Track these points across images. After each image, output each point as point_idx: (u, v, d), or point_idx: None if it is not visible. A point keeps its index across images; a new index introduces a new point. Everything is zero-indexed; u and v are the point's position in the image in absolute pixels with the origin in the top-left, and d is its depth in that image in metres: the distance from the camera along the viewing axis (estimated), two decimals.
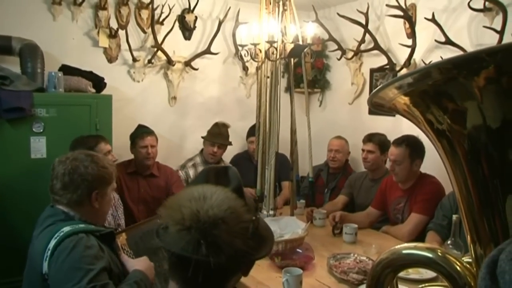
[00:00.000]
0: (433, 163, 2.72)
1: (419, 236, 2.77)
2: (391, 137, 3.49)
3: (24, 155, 2.80)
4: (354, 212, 3.39)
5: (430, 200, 2.81)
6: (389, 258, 1.13)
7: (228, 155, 4.12)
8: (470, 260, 1.02)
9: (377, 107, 1.09)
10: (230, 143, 3.82)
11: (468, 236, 0.99)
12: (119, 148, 3.46)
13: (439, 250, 1.06)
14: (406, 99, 0.97)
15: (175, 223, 0.90)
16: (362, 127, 3.95)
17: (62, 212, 1.70)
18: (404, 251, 1.12)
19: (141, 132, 3.34)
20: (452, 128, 0.94)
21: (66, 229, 1.60)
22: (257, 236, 0.97)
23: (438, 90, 0.90)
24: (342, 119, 4.25)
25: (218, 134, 3.74)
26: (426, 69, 0.90)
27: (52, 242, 1.57)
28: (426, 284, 1.24)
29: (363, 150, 3.45)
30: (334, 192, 3.69)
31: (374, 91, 0.99)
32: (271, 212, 2.88)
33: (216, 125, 3.80)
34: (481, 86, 0.83)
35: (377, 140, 3.40)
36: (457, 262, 1.02)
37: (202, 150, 3.86)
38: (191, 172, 3.72)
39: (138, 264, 1.72)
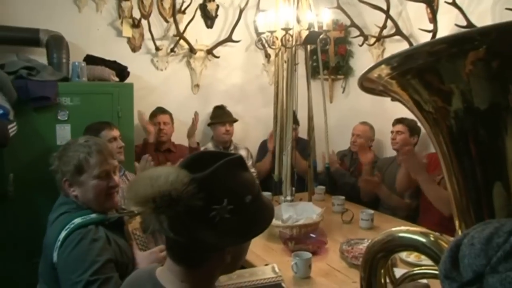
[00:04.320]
0: None
1: None
2: None
3: (51, 142, 2.90)
4: (379, 201, 3.40)
5: None
6: (384, 240, 1.14)
7: (254, 142, 4.18)
8: None
9: (368, 91, 1.10)
10: (237, 120, 3.92)
11: (456, 222, 0.99)
12: (143, 135, 3.56)
13: (431, 235, 1.06)
14: (394, 81, 0.96)
15: (141, 205, 0.92)
16: (385, 113, 3.91)
17: (72, 200, 1.73)
18: (399, 234, 1.12)
19: (154, 112, 3.61)
20: (439, 110, 0.93)
21: (77, 220, 1.64)
22: (230, 222, 0.96)
23: (427, 70, 0.89)
24: (365, 105, 4.21)
25: (223, 114, 3.87)
26: (415, 50, 0.90)
27: (63, 234, 1.62)
28: (419, 268, 1.24)
29: (392, 132, 3.46)
30: (353, 175, 3.69)
31: (362, 73, 0.99)
32: (289, 198, 2.91)
33: (217, 108, 3.92)
34: (471, 67, 0.83)
35: (407, 122, 3.41)
36: None
37: (212, 137, 3.95)
38: None
39: (142, 262, 1.74)
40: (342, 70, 4.38)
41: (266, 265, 2.06)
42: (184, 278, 1.02)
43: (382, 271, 1.17)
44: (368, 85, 1.06)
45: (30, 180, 2.83)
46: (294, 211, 2.70)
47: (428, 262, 2.16)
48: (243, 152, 3.95)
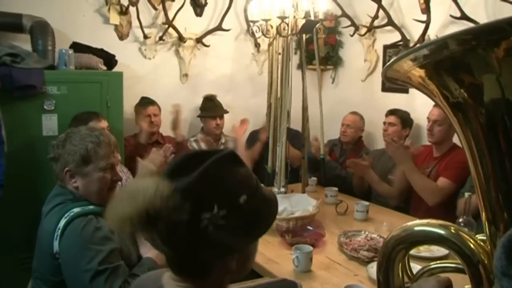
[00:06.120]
0: None
1: (442, 203, 2.77)
2: None
3: (36, 133, 2.80)
4: (371, 194, 3.40)
5: (463, 168, 2.79)
6: (400, 235, 1.11)
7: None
8: (484, 237, 1.00)
9: (391, 81, 1.07)
10: (227, 111, 3.84)
11: (483, 213, 0.97)
12: (131, 125, 3.48)
13: (452, 227, 1.04)
14: (421, 72, 0.94)
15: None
16: (375, 104, 3.91)
17: (69, 192, 1.68)
18: (416, 228, 1.09)
19: (143, 103, 3.48)
20: (468, 101, 0.91)
21: (76, 210, 1.60)
22: (226, 228, 0.88)
23: (455, 61, 0.87)
24: (355, 96, 4.20)
25: (214, 107, 3.77)
26: (443, 40, 0.87)
27: (62, 222, 1.57)
28: (438, 262, 1.22)
29: (384, 123, 3.46)
30: (342, 166, 3.67)
31: (388, 63, 0.96)
32: (282, 190, 2.88)
33: (208, 99, 3.82)
34: (500, 57, 0.80)
35: (400, 114, 3.42)
36: (471, 240, 0.99)
37: (202, 128, 3.86)
38: (195, 146, 3.74)
39: (150, 251, 1.71)
40: (332, 61, 4.35)
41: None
42: None
43: (400, 265, 1.14)
44: (393, 75, 1.02)
45: (14, 172, 2.73)
46: (288, 203, 2.66)
47: (427, 254, 2.16)
48: (232, 144, 3.89)
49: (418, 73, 0.96)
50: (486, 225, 0.96)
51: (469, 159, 0.97)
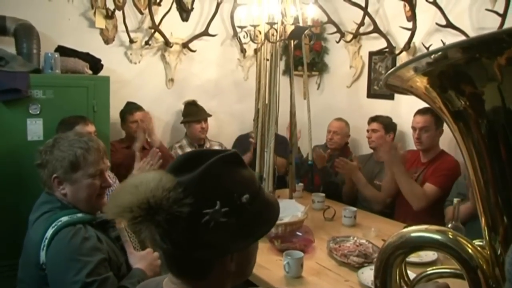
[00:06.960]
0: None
1: (427, 209, 2.81)
2: None
3: (21, 138, 2.75)
4: (357, 199, 3.42)
5: (449, 176, 2.85)
6: (398, 241, 1.11)
7: (228, 138, 4.13)
8: (481, 243, 1.01)
9: (391, 88, 1.08)
10: (210, 115, 3.84)
11: (483, 219, 0.98)
12: (117, 130, 3.44)
13: (450, 233, 1.05)
14: (423, 80, 0.95)
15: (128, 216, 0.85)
16: (360, 110, 3.94)
17: (56, 199, 1.64)
18: (413, 234, 1.10)
19: (130, 108, 3.43)
20: (470, 110, 0.92)
21: (64, 219, 1.56)
22: (227, 226, 0.88)
23: (457, 71, 0.88)
24: (340, 102, 4.24)
25: (198, 111, 3.77)
26: (445, 49, 0.88)
27: (50, 231, 1.53)
28: (435, 267, 1.23)
29: (368, 131, 3.49)
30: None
31: (390, 70, 0.97)
32: None
33: (190, 104, 3.81)
34: (502, 67, 0.82)
35: (382, 120, 3.46)
36: (469, 245, 1.01)
37: (186, 133, 3.83)
38: (179, 152, 3.72)
39: (139, 262, 1.69)
40: (317, 67, 4.37)
41: None
42: None
43: (398, 271, 1.15)
44: (394, 82, 1.03)
45: None
46: None
47: (416, 259, 2.17)
48: (217, 148, 3.88)
49: (420, 81, 0.97)
50: (486, 230, 0.98)
51: (469, 165, 0.98)
